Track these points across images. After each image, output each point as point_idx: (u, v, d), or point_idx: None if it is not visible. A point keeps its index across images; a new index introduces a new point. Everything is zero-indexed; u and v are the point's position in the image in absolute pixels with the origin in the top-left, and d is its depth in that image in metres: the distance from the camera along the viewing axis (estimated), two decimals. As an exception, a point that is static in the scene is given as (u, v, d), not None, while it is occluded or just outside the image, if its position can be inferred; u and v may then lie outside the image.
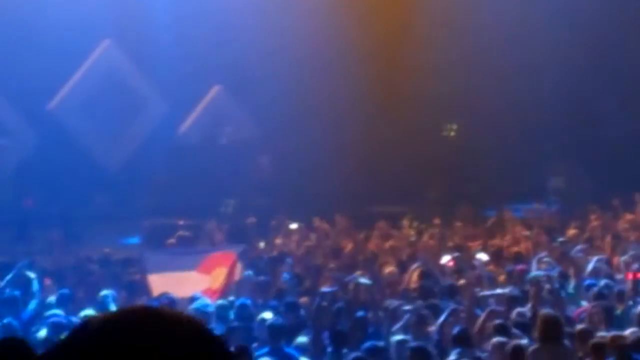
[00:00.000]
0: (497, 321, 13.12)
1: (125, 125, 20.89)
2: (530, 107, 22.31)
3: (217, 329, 13.38)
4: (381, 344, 12.70)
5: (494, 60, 22.11)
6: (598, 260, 17.04)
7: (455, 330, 13.00)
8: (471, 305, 14.68)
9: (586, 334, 12.04)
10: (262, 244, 19.16)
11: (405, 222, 20.32)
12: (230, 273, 17.06)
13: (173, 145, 21.07)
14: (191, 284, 16.44)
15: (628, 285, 15.74)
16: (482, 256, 18.39)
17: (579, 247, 18.65)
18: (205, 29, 20.73)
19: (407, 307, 14.52)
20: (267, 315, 14.05)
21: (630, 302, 14.62)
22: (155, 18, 21.07)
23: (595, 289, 15.01)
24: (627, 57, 22.17)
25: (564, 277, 16.27)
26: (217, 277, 16.98)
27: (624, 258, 17.33)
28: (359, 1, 22.56)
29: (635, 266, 16.58)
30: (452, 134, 24.08)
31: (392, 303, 15.49)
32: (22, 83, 20.44)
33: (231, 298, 15.43)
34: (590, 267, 16.82)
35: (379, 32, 22.42)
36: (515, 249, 19.60)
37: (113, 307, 14.40)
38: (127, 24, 21.20)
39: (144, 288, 16.55)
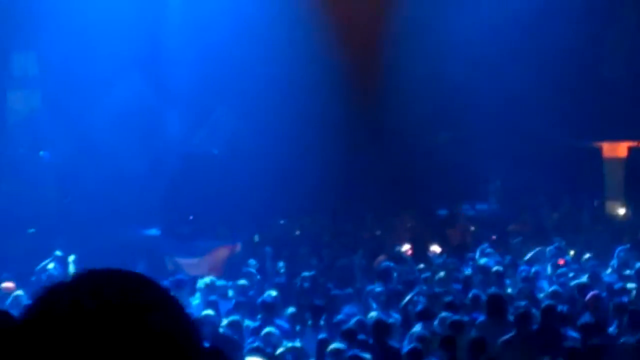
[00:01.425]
0: (447, 299, 13.51)
1: (146, 138, 20.79)
2: (478, 128, 21.89)
3: (220, 303, 13.88)
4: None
5: (456, 80, 21.84)
6: (537, 251, 17.21)
7: (418, 307, 13.33)
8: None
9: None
10: (256, 237, 19.31)
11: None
12: (230, 256, 17.55)
13: (186, 155, 21.12)
14: (200, 266, 16.98)
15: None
16: (436, 248, 18.65)
17: (517, 240, 19.05)
18: (215, 55, 20.67)
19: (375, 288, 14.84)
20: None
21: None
22: (173, 45, 21.22)
23: (523, 274, 15.51)
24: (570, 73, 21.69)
25: (513, 264, 16.57)
26: (220, 259, 17.54)
27: (549, 248, 17.51)
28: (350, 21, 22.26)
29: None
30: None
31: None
32: (62, 104, 20.52)
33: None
34: (528, 255, 17.10)
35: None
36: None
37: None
38: (150, 52, 21.14)
39: (163, 268, 16.96)
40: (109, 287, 1.54)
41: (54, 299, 1.53)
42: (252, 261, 16.93)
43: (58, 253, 15.98)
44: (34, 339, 1.49)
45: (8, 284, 14.10)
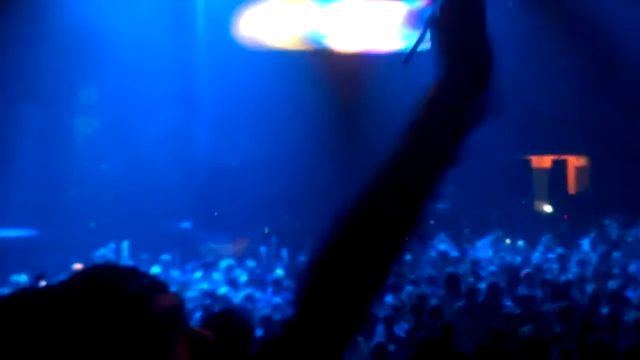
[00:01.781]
0: (411, 277, 13.61)
1: (181, 153, 20.58)
2: None
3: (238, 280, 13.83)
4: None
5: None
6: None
7: (389, 282, 13.37)
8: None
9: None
10: (266, 229, 19.40)
11: None
12: (247, 244, 17.87)
13: (212, 166, 20.86)
14: (225, 251, 17.04)
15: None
16: None
17: (466, 230, 19.13)
18: (234, 91, 20.49)
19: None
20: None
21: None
22: (202, 82, 21.18)
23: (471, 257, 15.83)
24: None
25: (463, 249, 16.75)
26: (240, 246, 17.65)
27: (491, 237, 17.76)
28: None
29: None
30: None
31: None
32: (116, 127, 20.52)
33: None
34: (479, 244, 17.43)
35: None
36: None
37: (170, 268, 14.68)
38: (185, 86, 21.14)
39: (194, 253, 16.87)
40: (96, 274, 1.55)
41: (68, 282, 1.54)
42: (262, 248, 16.96)
43: (112, 245, 16.14)
44: (50, 303, 1.48)
45: (77, 265, 14.04)
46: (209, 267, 14.75)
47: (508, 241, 17.68)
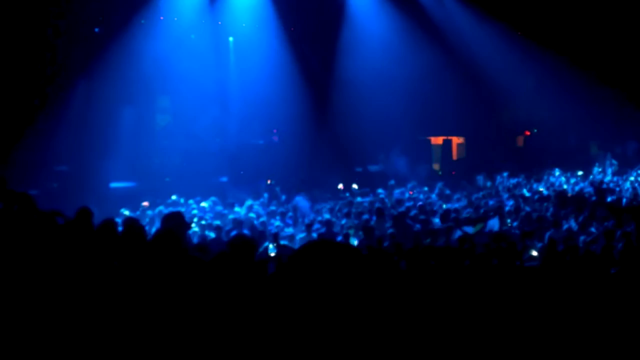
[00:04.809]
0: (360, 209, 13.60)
1: (219, 135, 20.24)
2: (376, 127, 20.67)
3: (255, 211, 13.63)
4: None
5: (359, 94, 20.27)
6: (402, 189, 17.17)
7: (344, 210, 13.24)
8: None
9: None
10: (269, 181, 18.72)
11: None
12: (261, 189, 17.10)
13: (239, 143, 20.17)
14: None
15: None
16: (355, 185, 18.22)
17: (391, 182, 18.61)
18: (252, 91, 19.77)
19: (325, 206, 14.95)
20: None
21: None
22: (233, 87, 20.53)
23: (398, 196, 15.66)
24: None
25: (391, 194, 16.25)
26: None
27: (409, 186, 17.63)
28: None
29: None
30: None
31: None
32: (180, 119, 20.12)
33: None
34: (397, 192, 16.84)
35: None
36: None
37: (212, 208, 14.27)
38: (222, 91, 20.23)
39: (226, 197, 16.26)
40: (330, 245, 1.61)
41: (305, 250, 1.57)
42: (265, 194, 16.50)
43: (174, 197, 15.32)
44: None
45: (145, 203, 14.13)
46: (234, 204, 14.70)
47: (418, 189, 17.81)
